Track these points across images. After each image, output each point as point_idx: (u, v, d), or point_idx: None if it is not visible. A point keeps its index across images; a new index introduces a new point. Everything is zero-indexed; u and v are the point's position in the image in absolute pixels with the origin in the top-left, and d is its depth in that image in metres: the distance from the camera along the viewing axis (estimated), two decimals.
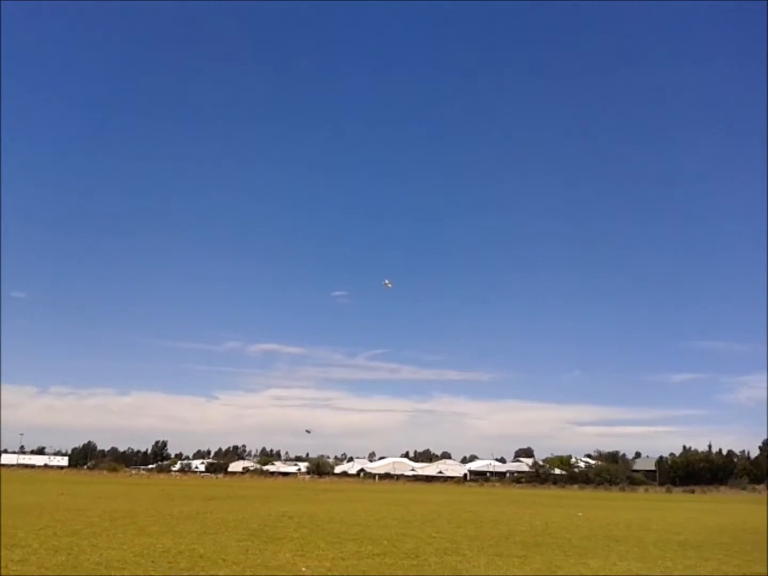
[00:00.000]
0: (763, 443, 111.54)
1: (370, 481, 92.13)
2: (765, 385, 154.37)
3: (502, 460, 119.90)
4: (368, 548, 9.59)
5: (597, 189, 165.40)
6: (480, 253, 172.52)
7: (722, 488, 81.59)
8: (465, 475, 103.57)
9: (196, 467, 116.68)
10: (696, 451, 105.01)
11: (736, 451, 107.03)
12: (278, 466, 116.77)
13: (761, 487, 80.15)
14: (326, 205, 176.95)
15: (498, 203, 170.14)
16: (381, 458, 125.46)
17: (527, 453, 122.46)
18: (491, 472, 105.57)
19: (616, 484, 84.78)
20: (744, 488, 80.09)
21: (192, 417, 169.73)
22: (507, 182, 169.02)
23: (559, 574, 7.68)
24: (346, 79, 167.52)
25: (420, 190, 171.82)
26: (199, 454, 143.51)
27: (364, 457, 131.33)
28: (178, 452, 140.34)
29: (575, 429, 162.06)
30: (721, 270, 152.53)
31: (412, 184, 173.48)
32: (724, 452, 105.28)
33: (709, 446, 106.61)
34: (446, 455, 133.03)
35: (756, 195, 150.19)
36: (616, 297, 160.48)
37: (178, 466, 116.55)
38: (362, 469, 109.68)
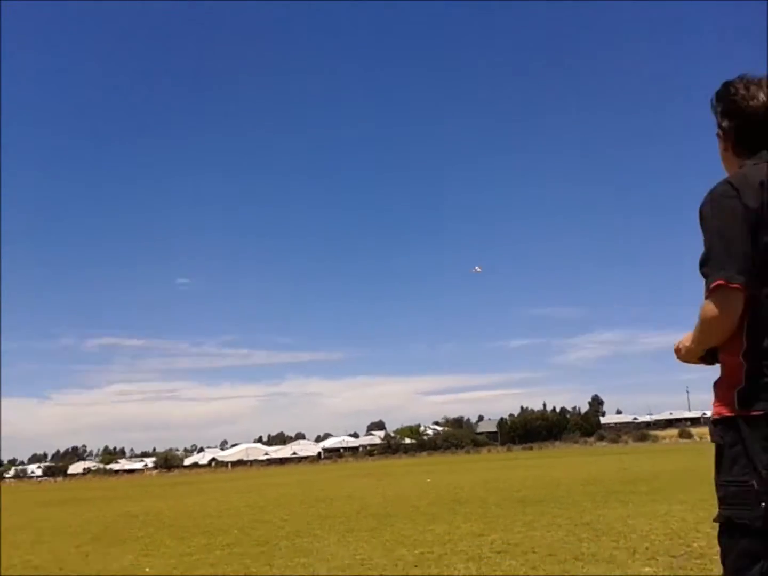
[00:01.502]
0: (592, 399, 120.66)
1: (223, 469, 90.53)
2: (592, 346, 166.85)
3: (356, 435, 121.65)
4: (218, 540, 9.32)
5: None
6: (320, 234, 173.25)
7: (557, 443, 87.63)
8: (319, 453, 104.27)
9: (32, 472, 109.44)
10: (533, 410, 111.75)
11: (569, 408, 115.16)
12: (123, 464, 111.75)
13: (591, 439, 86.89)
14: None
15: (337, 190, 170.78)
16: (233, 446, 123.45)
17: (379, 426, 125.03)
18: (345, 448, 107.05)
19: (462, 447, 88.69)
20: (576, 441, 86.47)
21: (23, 420, 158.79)
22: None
23: (407, 543, 7.81)
24: None
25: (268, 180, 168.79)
26: (35, 458, 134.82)
27: (215, 447, 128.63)
28: (11, 458, 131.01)
29: (423, 399, 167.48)
30: (547, 241, 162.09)
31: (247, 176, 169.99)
32: (558, 410, 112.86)
33: (544, 405, 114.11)
34: (300, 436, 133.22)
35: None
36: (452, 269, 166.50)
37: (12, 473, 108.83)
38: (214, 459, 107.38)
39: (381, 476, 29.47)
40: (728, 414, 1.94)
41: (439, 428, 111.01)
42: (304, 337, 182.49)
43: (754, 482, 1.84)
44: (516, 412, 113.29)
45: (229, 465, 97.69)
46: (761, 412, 1.84)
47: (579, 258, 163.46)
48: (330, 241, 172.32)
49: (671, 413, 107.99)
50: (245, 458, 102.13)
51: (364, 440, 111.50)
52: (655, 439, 73.25)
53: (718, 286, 1.86)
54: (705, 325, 1.96)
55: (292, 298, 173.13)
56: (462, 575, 5.81)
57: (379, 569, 6.36)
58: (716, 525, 1.97)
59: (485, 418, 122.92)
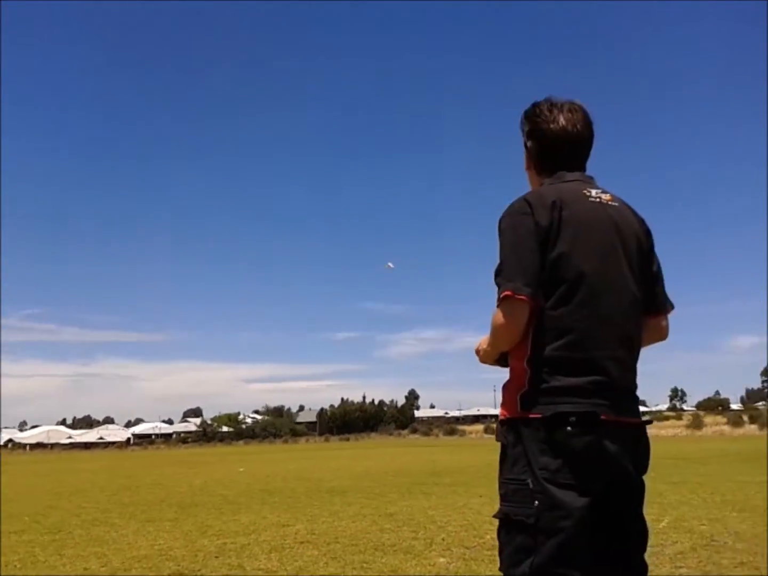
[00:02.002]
0: (409, 393, 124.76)
1: (20, 452, 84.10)
2: (413, 342, 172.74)
3: (170, 422, 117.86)
4: (4, 527, 8.59)
5: None
6: (148, 217, 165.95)
7: (373, 434, 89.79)
8: (128, 439, 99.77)
9: None
10: (353, 402, 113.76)
11: (387, 401, 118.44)
12: None
13: (405, 432, 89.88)
14: None
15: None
16: (33, 427, 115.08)
17: (196, 413, 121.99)
18: (157, 435, 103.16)
19: (280, 437, 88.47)
20: (391, 434, 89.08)
21: None
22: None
23: (209, 533, 7.62)
24: None
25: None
26: None
27: (14, 427, 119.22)
28: None
29: (246, 386, 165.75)
30: (378, 242, 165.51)
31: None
32: (377, 402, 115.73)
33: (364, 397, 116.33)
34: (109, 420, 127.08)
35: None
36: (287, 259, 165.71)
37: None
38: (11, 440, 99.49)
39: (192, 464, 28.67)
40: (511, 416, 2.04)
41: (259, 417, 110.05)
42: (120, 316, 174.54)
43: (530, 481, 1.93)
44: (337, 403, 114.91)
45: (27, 447, 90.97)
46: (539, 416, 1.94)
47: (408, 258, 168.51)
48: (165, 220, 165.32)
49: (479, 410, 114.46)
50: (46, 441, 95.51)
51: (179, 427, 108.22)
52: (463, 433, 76.95)
53: (506, 296, 1.96)
54: (494, 331, 2.06)
55: (111, 275, 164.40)
56: (262, 566, 5.73)
57: (177, 560, 6.13)
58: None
59: (306, 408, 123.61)
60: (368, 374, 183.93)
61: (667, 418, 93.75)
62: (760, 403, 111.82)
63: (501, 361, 2.17)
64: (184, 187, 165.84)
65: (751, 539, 6.00)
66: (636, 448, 2.07)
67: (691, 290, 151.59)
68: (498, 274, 2.02)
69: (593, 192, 2.14)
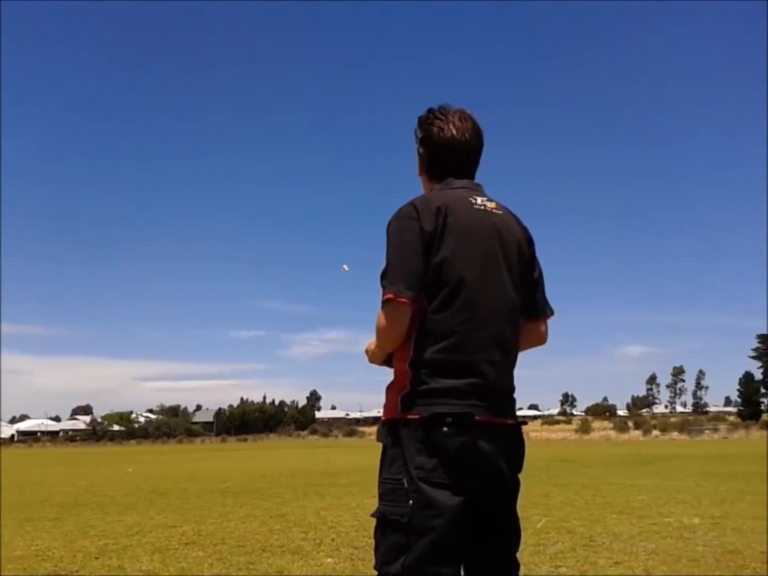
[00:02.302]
0: (310, 394, 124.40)
1: None
2: (317, 343, 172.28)
3: (57, 419, 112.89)
4: None
5: None
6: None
7: (272, 435, 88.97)
8: (12, 436, 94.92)
9: None
10: (253, 402, 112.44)
11: (288, 401, 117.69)
12: None
13: (305, 432, 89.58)
14: None
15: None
16: None
17: (86, 410, 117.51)
18: (43, 432, 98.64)
19: (175, 437, 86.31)
20: (290, 434, 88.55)
21: None
22: None
23: (91, 534, 7.33)
24: None
25: None
26: None
27: None
28: None
29: (140, 384, 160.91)
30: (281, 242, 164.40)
31: None
32: (277, 402, 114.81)
33: (264, 397, 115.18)
34: None
35: None
36: (187, 257, 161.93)
37: None
38: None
39: (79, 464, 27.56)
40: (392, 417, 2.06)
41: (153, 416, 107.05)
42: (4, 306, 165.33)
43: (405, 481, 1.95)
44: (236, 403, 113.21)
45: None
46: (417, 416, 1.96)
47: (314, 258, 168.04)
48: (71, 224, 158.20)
49: (378, 411, 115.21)
50: None
51: (67, 425, 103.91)
52: (363, 434, 77.30)
53: (388, 299, 2.00)
54: (377, 333, 2.10)
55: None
56: (144, 567, 5.55)
57: (55, 560, 5.88)
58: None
59: (204, 407, 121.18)
60: (270, 374, 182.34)
61: (557, 422, 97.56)
62: (645, 410, 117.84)
63: (388, 362, 2.20)
64: None
65: (628, 540, 6.27)
66: (510, 448, 2.12)
67: (584, 300, 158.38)
68: (383, 276, 2.06)
69: (479, 200, 2.19)
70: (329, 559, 5.66)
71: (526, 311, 2.25)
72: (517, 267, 2.19)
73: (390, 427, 2.06)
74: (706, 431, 58.92)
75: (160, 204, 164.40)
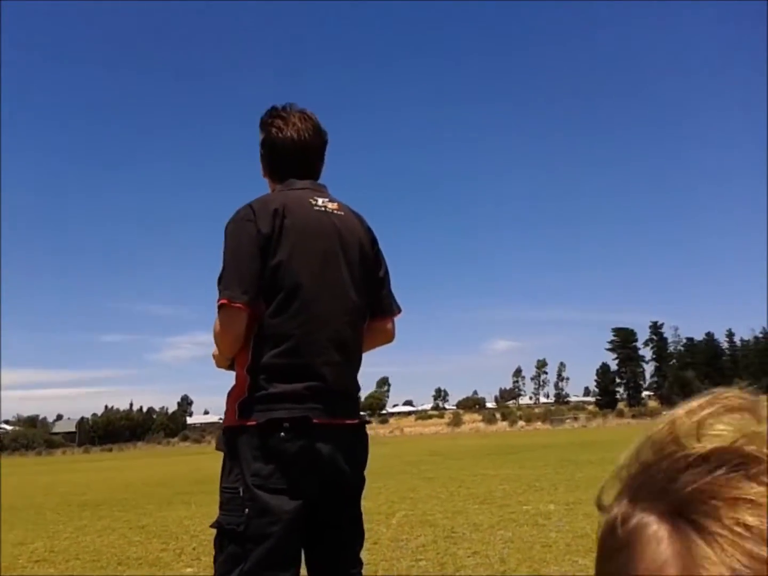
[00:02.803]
0: (181, 399, 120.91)
1: None
2: (188, 346, 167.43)
3: None
4: None
5: None
6: None
7: (139, 444, 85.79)
8: None
9: None
10: (118, 410, 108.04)
11: (157, 407, 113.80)
12: None
13: (175, 439, 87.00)
14: None
15: None
16: None
17: None
18: None
19: (34, 449, 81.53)
20: (159, 442, 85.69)
21: None
22: None
23: None
24: None
25: None
26: None
27: None
28: None
29: None
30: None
31: None
32: (145, 409, 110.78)
33: (131, 404, 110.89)
34: None
35: None
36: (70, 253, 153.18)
37: None
38: None
39: None
40: (230, 424, 2.03)
41: (9, 428, 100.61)
42: None
43: (241, 490, 1.92)
44: (100, 411, 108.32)
45: None
46: (254, 423, 1.94)
47: (186, 258, 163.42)
48: None
49: None
50: None
51: None
52: None
53: (222, 304, 1.98)
54: (215, 339, 2.07)
55: None
56: None
57: None
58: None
59: (65, 417, 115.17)
60: (138, 380, 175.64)
61: (430, 417, 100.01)
62: (511, 402, 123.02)
63: (233, 366, 2.17)
64: None
65: (487, 530, 6.49)
66: (352, 448, 2.12)
67: (456, 296, 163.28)
68: (218, 281, 2.02)
69: (320, 200, 2.17)
70: (189, 569, 5.52)
71: (373, 310, 2.28)
72: (359, 267, 2.19)
73: (228, 435, 2.03)
74: (567, 420, 62.39)
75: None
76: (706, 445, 0.40)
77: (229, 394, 2.10)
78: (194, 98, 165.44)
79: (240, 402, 2.01)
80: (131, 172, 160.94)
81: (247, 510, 1.90)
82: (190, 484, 15.58)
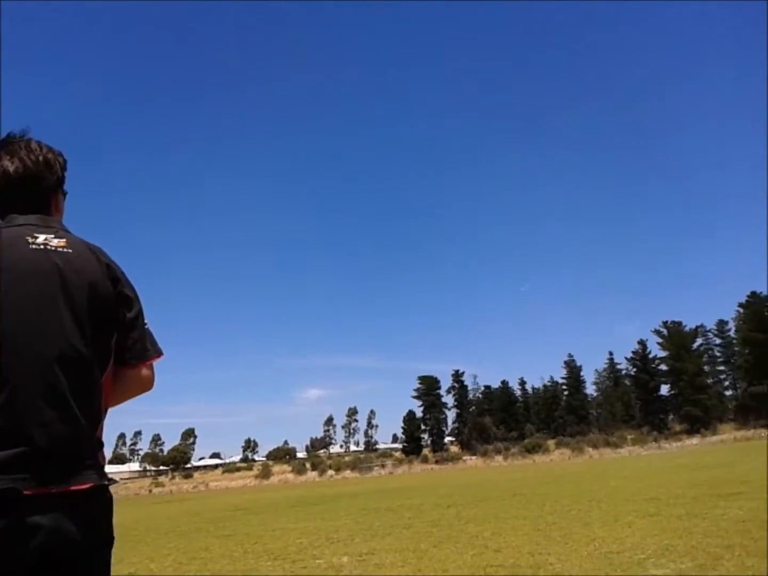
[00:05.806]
0: None
1: None
2: None
3: None
4: None
5: None
6: None
7: None
8: None
9: None
10: None
11: None
12: None
13: None
14: None
15: None
16: None
17: None
18: None
19: None
20: None
21: None
22: None
23: None
24: None
25: None
26: None
27: None
28: None
29: None
30: None
31: None
32: None
33: None
34: None
35: None
36: None
37: None
38: None
39: None
40: None
41: None
42: None
43: None
44: None
45: None
46: None
47: None
48: None
49: None
50: None
51: None
52: None
53: None
54: None
55: None
56: None
57: None
58: None
59: None
60: None
61: (239, 469, 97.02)
62: (322, 451, 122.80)
63: None
64: None
65: None
66: (80, 515, 1.91)
67: (266, 345, 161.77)
68: None
69: (41, 237, 1.94)
70: None
71: (121, 356, 2.05)
72: (88, 310, 1.95)
73: None
74: (375, 468, 63.25)
75: None
76: None
77: None
78: None
79: None
80: None
81: None
82: None
